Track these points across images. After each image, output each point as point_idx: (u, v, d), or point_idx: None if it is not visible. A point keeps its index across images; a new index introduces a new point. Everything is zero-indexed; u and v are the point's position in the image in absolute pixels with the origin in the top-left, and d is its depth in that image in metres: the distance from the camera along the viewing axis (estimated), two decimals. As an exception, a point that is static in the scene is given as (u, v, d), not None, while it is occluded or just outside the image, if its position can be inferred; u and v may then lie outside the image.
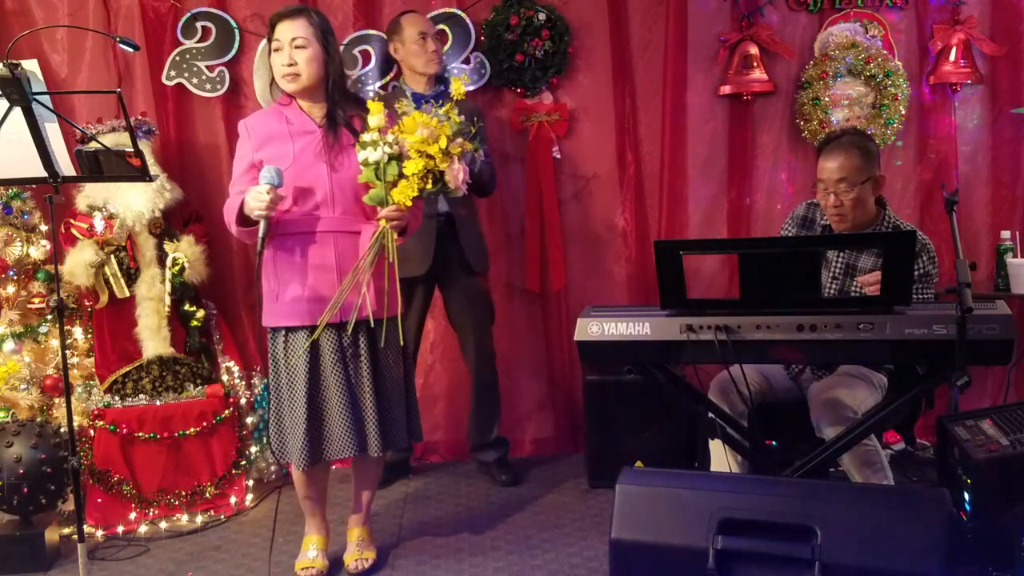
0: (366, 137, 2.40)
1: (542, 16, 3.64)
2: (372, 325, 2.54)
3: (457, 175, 2.42)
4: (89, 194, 3.32)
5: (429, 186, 2.42)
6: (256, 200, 2.39)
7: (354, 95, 2.69)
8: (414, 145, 2.37)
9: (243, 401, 3.41)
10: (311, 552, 2.74)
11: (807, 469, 2.40)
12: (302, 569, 2.70)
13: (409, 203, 2.43)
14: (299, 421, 2.53)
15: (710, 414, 2.57)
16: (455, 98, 2.47)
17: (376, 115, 2.41)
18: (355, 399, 2.56)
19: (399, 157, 2.40)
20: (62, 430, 3.05)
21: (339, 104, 2.57)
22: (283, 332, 2.56)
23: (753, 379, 2.80)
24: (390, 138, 2.40)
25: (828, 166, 2.71)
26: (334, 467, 3.71)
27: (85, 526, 2.47)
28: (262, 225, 2.40)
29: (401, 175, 2.40)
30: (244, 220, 2.48)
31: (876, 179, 2.73)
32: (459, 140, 2.42)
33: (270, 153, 2.54)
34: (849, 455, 2.55)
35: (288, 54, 2.52)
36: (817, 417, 2.62)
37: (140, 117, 3.44)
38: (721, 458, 2.68)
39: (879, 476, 2.60)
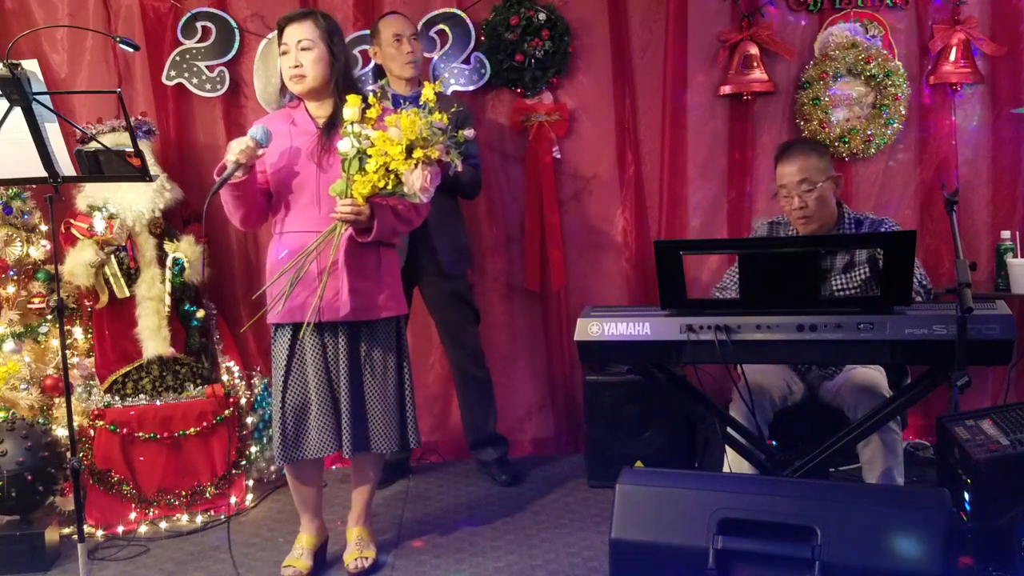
0: (347, 128, 2.42)
1: (542, 16, 3.64)
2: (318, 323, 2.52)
3: (415, 181, 2.36)
4: (89, 194, 3.32)
5: (390, 186, 2.39)
6: (237, 144, 2.42)
7: (362, 92, 2.68)
8: (378, 143, 2.36)
9: (243, 401, 3.41)
10: (297, 551, 2.74)
11: (807, 469, 2.40)
12: (284, 567, 2.70)
13: (361, 200, 2.41)
14: (279, 418, 2.59)
15: (723, 421, 2.56)
16: (424, 103, 2.43)
17: (351, 107, 2.41)
18: (335, 399, 2.59)
19: (368, 153, 2.40)
20: (54, 429, 3.05)
21: (343, 105, 2.57)
22: (274, 329, 2.62)
23: (776, 384, 2.79)
24: (366, 132, 2.40)
25: (788, 170, 2.77)
26: (334, 467, 3.72)
27: (85, 526, 2.47)
28: (230, 166, 2.41)
29: (362, 171, 2.39)
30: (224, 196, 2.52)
31: (834, 178, 2.80)
32: (438, 146, 2.37)
33: (269, 152, 2.57)
34: (877, 439, 2.57)
35: (295, 56, 2.55)
36: (854, 403, 2.65)
37: (140, 117, 3.44)
38: (737, 458, 2.66)
39: (900, 468, 2.62)
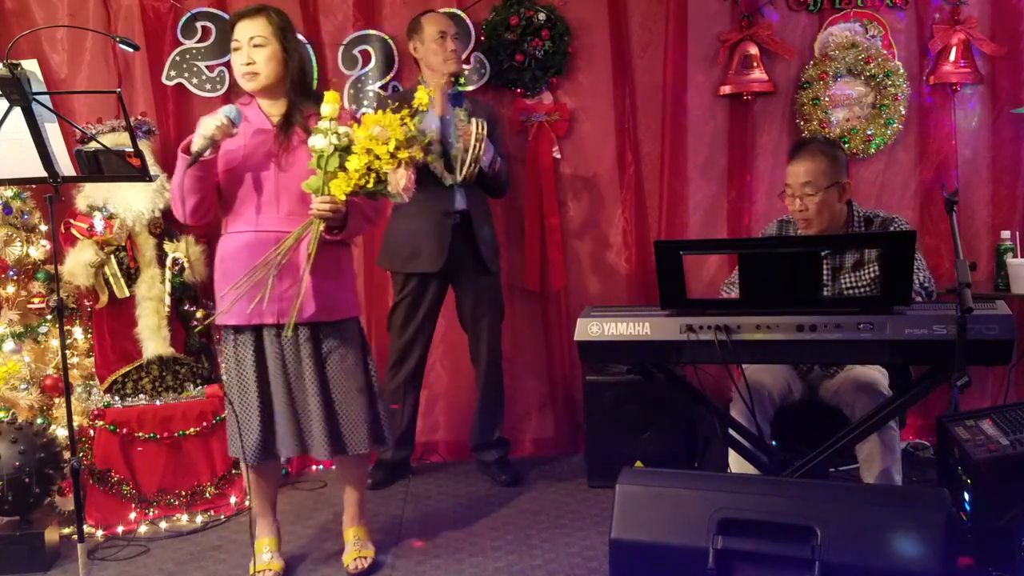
0: (320, 125, 2.40)
1: (542, 16, 3.64)
2: (290, 326, 2.47)
3: (400, 180, 2.37)
4: (89, 194, 3.32)
5: (370, 185, 2.38)
6: (211, 120, 2.38)
7: (315, 92, 2.65)
8: (361, 141, 2.35)
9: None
10: (265, 555, 2.72)
11: (807, 469, 2.40)
12: (258, 572, 2.68)
13: (342, 197, 2.39)
14: (251, 420, 2.55)
15: (723, 421, 2.56)
16: (418, 107, 2.44)
17: (330, 104, 2.39)
18: (294, 400, 2.56)
19: (346, 150, 2.38)
20: (54, 429, 3.05)
21: (297, 103, 2.55)
22: (231, 331, 2.57)
23: (777, 383, 2.79)
24: (342, 130, 2.38)
25: (794, 171, 2.77)
26: (334, 467, 3.72)
27: (85, 526, 2.47)
28: (200, 142, 2.36)
29: (342, 168, 2.38)
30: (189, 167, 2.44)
31: (842, 185, 2.77)
32: (414, 147, 2.38)
33: (224, 151, 2.51)
34: (875, 439, 2.56)
35: (247, 53, 2.51)
36: (852, 403, 2.64)
37: (140, 117, 3.44)
38: (740, 459, 2.66)
39: (897, 467, 2.62)
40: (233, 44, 2.54)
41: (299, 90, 2.56)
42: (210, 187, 2.51)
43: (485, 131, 3.11)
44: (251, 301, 2.47)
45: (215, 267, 2.62)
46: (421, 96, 2.47)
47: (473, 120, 3.13)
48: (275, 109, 2.57)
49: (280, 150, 2.51)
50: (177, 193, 2.48)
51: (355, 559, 2.72)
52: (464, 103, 3.31)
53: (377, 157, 2.35)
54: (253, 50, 2.51)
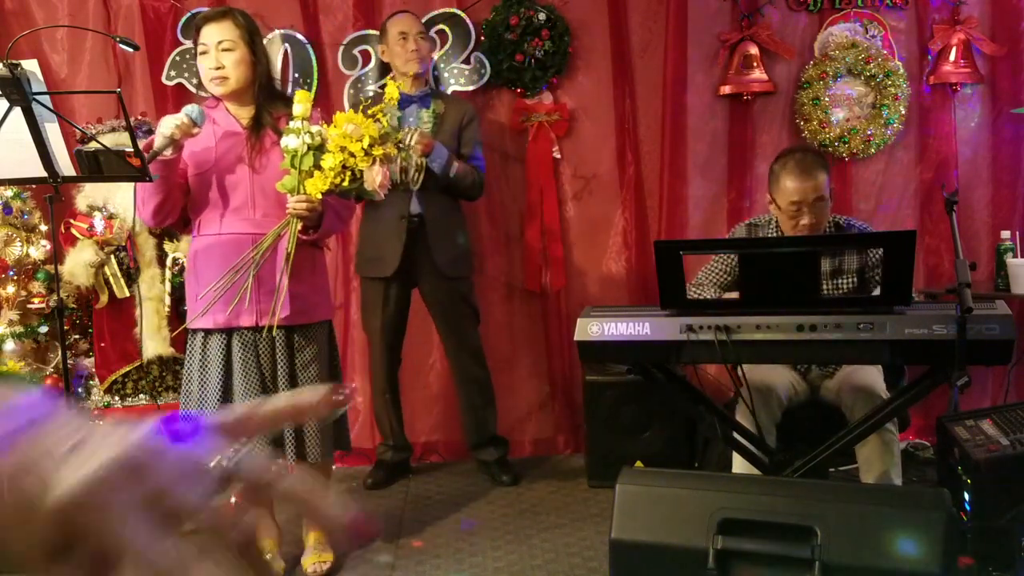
0: (292, 124, 2.39)
1: (542, 16, 3.64)
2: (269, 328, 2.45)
3: (376, 177, 2.36)
4: (89, 194, 3.32)
5: (346, 183, 2.38)
6: (171, 120, 2.33)
7: (282, 94, 2.64)
8: (335, 140, 2.35)
9: (243, 401, 3.41)
10: (265, 556, 2.70)
11: (807, 468, 2.40)
12: None
13: (318, 196, 2.38)
14: None
15: (723, 421, 2.55)
16: (388, 101, 2.44)
17: (301, 103, 2.38)
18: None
19: (320, 148, 2.37)
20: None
21: (266, 106, 2.53)
22: (201, 334, 2.55)
23: (783, 383, 2.79)
24: (314, 129, 2.37)
25: (804, 187, 2.66)
26: (335, 466, 3.72)
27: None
28: (161, 141, 2.32)
29: (317, 167, 2.37)
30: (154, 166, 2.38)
31: (833, 190, 2.78)
32: (388, 143, 2.38)
33: (193, 154, 2.49)
34: (874, 440, 2.56)
35: (215, 57, 2.47)
36: (851, 403, 2.64)
37: (140, 117, 3.44)
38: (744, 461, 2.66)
39: (896, 469, 2.62)
40: (200, 48, 2.50)
41: (268, 92, 2.55)
42: (173, 188, 2.47)
43: (411, 141, 3.05)
44: (228, 304, 2.44)
45: (187, 270, 2.59)
46: (391, 91, 2.46)
47: (405, 128, 3.10)
48: (243, 112, 2.54)
49: (252, 153, 2.49)
50: (140, 194, 2.45)
51: (314, 563, 2.69)
52: (432, 104, 3.29)
53: (352, 155, 2.34)
54: (221, 54, 2.47)
